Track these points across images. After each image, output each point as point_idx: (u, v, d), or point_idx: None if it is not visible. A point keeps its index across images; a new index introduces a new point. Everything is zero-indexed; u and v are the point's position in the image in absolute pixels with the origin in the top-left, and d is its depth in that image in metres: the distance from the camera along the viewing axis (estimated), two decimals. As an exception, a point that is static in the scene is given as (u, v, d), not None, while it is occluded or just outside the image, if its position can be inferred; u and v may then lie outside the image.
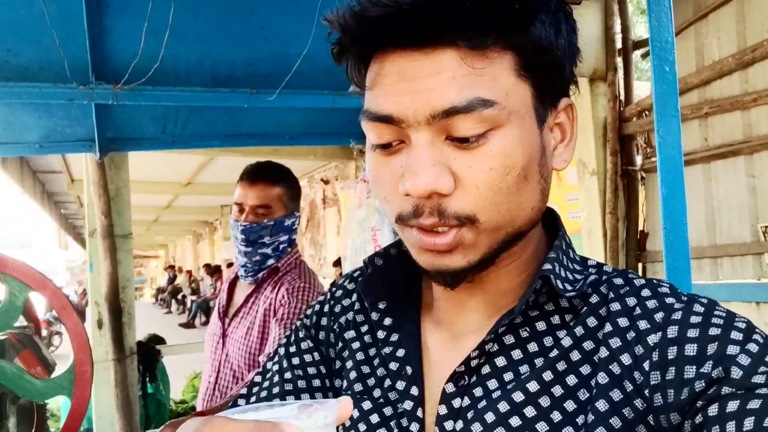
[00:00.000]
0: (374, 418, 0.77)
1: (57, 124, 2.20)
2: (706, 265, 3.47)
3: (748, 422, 0.54)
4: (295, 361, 0.88)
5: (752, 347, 0.59)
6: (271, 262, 2.05)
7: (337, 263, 6.90)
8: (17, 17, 1.78)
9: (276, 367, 0.88)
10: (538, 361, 0.68)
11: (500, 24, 0.62)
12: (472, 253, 0.67)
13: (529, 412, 0.65)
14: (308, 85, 2.16)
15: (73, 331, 1.46)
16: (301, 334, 0.90)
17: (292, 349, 0.89)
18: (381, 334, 0.80)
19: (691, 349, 0.60)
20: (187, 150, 6.40)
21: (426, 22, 0.60)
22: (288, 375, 0.86)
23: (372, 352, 0.81)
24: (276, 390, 0.85)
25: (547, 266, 0.69)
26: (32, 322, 1.93)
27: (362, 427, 0.77)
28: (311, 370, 0.87)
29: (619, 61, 3.90)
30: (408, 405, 0.73)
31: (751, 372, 0.57)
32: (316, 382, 0.86)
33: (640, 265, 3.74)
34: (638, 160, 3.89)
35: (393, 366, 0.77)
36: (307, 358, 0.88)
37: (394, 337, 0.79)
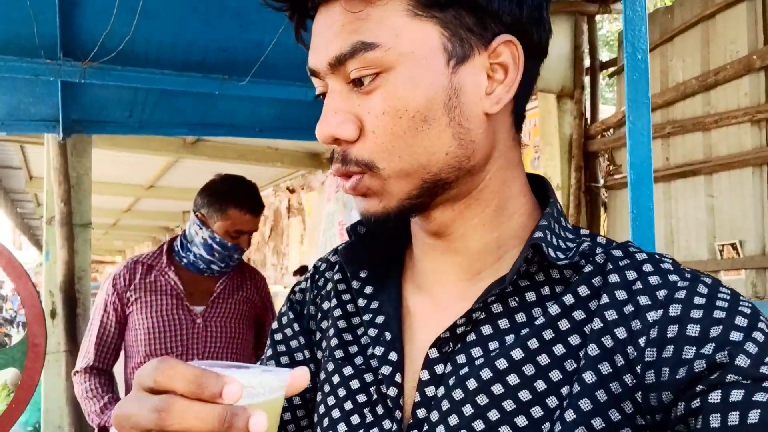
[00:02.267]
0: (354, 384, 0.76)
1: (21, 101, 2.15)
2: (663, 281, 3.53)
3: (753, 415, 0.53)
4: (278, 336, 0.89)
5: (758, 336, 0.58)
6: (236, 255, 2.31)
7: (298, 272, 6.85)
8: (-14, -15, 1.73)
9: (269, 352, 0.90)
10: (525, 331, 0.67)
11: None
12: (386, 200, 0.67)
13: (512, 379, 0.64)
14: (282, 75, 2.15)
15: (27, 301, 1.41)
16: (284, 319, 0.91)
17: (278, 336, 0.90)
18: (362, 302, 0.80)
19: (693, 330, 0.59)
20: (152, 151, 6.32)
21: None
22: (269, 352, 0.88)
23: (355, 320, 0.81)
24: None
25: (539, 234, 0.68)
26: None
27: (342, 392, 0.76)
28: (293, 344, 0.88)
29: (587, 80, 3.99)
30: (386, 370, 0.72)
31: (759, 362, 0.56)
32: (299, 356, 0.86)
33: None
34: (601, 178, 3.97)
35: (372, 332, 0.76)
36: (288, 331, 0.89)
37: (374, 304, 0.78)
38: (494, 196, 0.72)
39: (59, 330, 2.86)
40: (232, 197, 2.21)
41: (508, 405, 0.64)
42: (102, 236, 14.24)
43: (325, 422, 0.77)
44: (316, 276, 0.90)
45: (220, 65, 2.10)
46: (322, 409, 0.79)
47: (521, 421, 0.63)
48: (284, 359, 0.88)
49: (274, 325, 0.92)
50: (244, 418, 0.48)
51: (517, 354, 0.65)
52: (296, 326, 0.89)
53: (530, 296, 0.69)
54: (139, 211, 10.28)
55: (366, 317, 0.78)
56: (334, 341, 0.80)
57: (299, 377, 0.54)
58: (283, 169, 7.33)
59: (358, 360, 0.77)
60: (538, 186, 0.78)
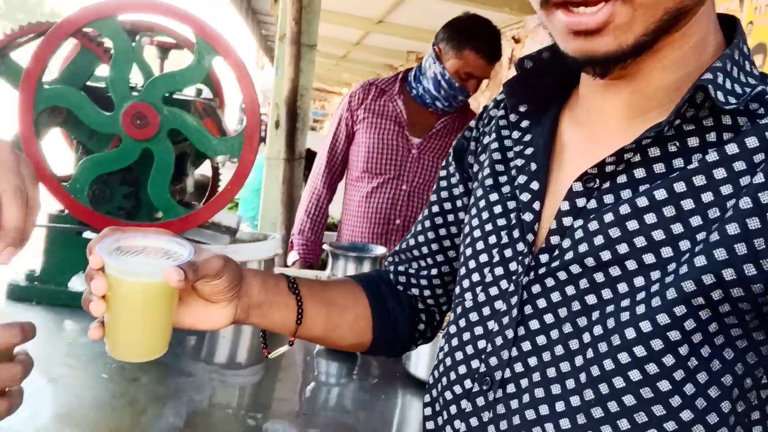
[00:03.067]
0: (497, 209, 0.81)
1: None
2: None
3: None
4: (442, 173, 0.98)
5: None
6: (461, 97, 2.34)
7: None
8: None
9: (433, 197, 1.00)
10: (675, 174, 0.64)
11: None
12: (624, 35, 0.62)
13: (650, 218, 0.64)
14: None
15: (248, 98, 1.58)
16: (450, 158, 0.98)
17: (443, 173, 0.98)
18: (516, 134, 0.82)
19: None
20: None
21: None
22: (434, 197, 0.98)
23: (509, 154, 0.84)
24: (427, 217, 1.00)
25: (708, 75, 0.63)
26: (218, 97, 2.12)
27: (485, 215, 0.82)
28: (453, 180, 0.96)
29: None
30: (525, 197, 0.76)
31: None
32: (456, 191, 0.95)
33: None
34: None
35: (519, 162, 0.79)
36: (451, 169, 0.97)
37: (527, 137, 0.81)
38: (698, 30, 0.68)
39: (281, 139, 3.17)
40: (472, 38, 2.20)
41: (639, 241, 0.64)
42: (333, 67, 15.01)
43: (467, 240, 0.85)
44: (484, 114, 0.94)
45: None
46: (467, 229, 0.86)
47: (649, 258, 0.64)
48: (444, 194, 0.98)
49: (443, 163, 1.00)
50: (89, 276, 0.69)
51: (660, 194, 0.64)
52: (457, 163, 0.96)
53: (693, 142, 0.65)
54: (367, 46, 10.58)
55: (517, 149, 0.81)
56: (486, 171, 0.85)
57: (170, 274, 0.67)
58: (511, 16, 7.04)
59: (505, 189, 0.81)
60: (728, 26, 0.71)
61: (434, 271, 0.99)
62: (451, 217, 0.97)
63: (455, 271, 0.98)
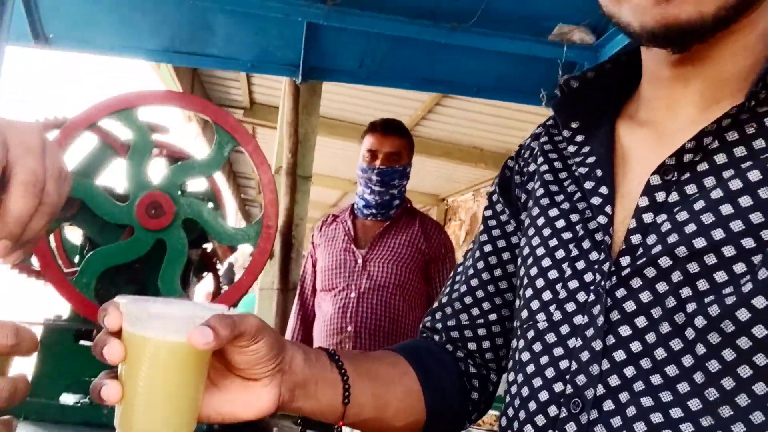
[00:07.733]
0: (560, 223, 0.78)
1: (270, 44, 2.40)
2: None
3: None
4: (488, 213, 0.93)
5: None
6: (396, 202, 2.50)
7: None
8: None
9: (479, 240, 0.93)
10: (766, 155, 0.62)
11: None
12: (705, 4, 0.62)
13: (745, 201, 0.61)
14: (506, 27, 2.18)
15: (267, 186, 1.56)
16: (494, 197, 0.94)
17: (488, 213, 0.93)
18: (572, 148, 0.80)
19: None
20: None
21: None
22: (484, 237, 0.92)
23: (562, 175, 0.82)
24: (479, 256, 0.92)
25: None
26: (220, 208, 2.12)
27: (546, 231, 0.79)
28: (503, 217, 0.90)
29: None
30: (596, 201, 0.73)
31: None
32: (509, 228, 0.90)
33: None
34: None
35: (582, 170, 0.76)
36: (498, 207, 0.92)
37: (585, 149, 0.79)
38: (763, 18, 0.69)
39: (274, 270, 3.12)
40: (368, 129, 2.49)
41: (736, 226, 0.61)
42: (308, 231, 15.28)
43: (529, 261, 0.79)
44: (521, 151, 0.92)
45: (449, 13, 2.17)
46: (526, 250, 0.81)
47: (748, 242, 0.60)
48: (495, 232, 0.92)
49: (486, 204, 0.96)
50: (101, 342, 0.57)
51: (755, 176, 0.62)
52: (504, 199, 0.91)
53: None
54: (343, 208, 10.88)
55: (577, 159, 0.78)
56: (539, 192, 0.82)
57: (195, 335, 0.55)
58: (486, 172, 7.37)
59: (564, 205, 0.78)
60: None
61: (493, 316, 0.88)
62: (506, 255, 0.90)
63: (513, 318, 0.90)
